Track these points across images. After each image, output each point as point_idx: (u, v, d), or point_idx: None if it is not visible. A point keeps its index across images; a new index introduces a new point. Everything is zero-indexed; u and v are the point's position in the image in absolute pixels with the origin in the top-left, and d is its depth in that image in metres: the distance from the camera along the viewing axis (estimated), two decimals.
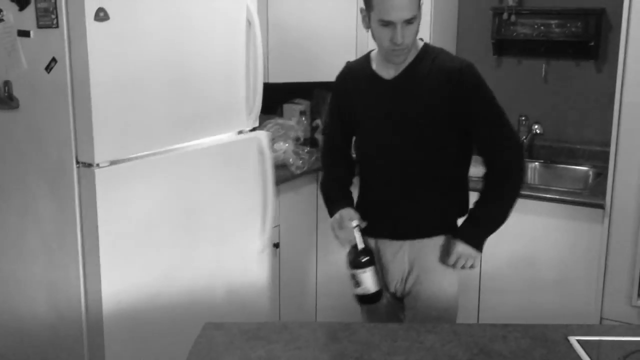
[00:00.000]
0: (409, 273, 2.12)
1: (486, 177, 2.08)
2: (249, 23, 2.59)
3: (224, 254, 2.59)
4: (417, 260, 2.11)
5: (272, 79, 3.24)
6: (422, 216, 2.10)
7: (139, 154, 2.21)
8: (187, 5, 2.32)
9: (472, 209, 2.13)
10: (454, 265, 2.08)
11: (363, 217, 2.13)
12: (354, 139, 2.26)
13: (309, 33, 3.28)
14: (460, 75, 1.96)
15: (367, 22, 1.96)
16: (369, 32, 2.01)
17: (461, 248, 2.06)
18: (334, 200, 2.20)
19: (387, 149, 2.08)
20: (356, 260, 2.04)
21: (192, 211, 2.43)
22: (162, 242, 2.33)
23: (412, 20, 1.88)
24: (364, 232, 2.10)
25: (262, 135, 2.69)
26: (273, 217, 2.76)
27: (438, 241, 2.11)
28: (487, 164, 2.06)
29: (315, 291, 3.38)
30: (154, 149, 2.27)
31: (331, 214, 2.18)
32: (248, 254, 2.72)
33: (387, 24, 1.88)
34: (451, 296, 2.15)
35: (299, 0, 3.24)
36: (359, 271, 2.04)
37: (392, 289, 2.18)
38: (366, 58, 2.13)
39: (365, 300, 2.10)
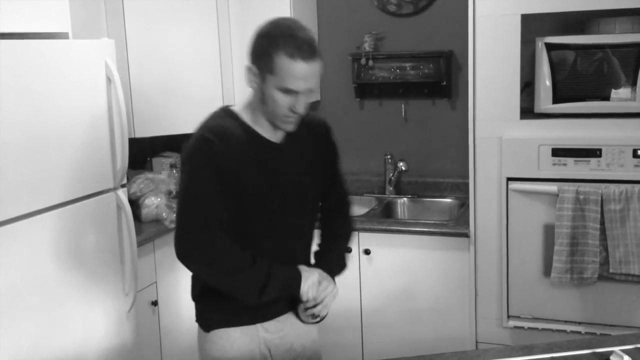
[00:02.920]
0: (294, 343, 2.01)
1: (333, 218, 2.08)
2: (109, 80, 2.54)
3: (91, 318, 2.50)
4: (299, 327, 2.02)
5: (139, 134, 3.17)
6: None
7: None
8: (41, 67, 2.25)
9: (329, 249, 2.06)
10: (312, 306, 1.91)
11: (235, 306, 1.89)
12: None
13: (173, 86, 3.26)
14: (328, 127, 2.04)
15: (259, 83, 1.77)
16: (254, 91, 1.82)
17: (329, 282, 1.95)
18: (278, 269, 1.85)
19: (287, 215, 1.90)
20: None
21: (55, 277, 2.32)
22: (28, 312, 2.20)
23: (314, 88, 1.80)
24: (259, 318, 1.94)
25: (121, 192, 2.63)
26: (136, 275, 2.69)
27: None
28: (333, 206, 2.08)
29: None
30: (12, 214, 2.15)
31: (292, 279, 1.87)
32: (116, 315, 2.63)
33: (289, 91, 1.74)
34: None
35: (160, 54, 3.22)
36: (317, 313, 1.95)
37: None
38: (236, 118, 1.85)
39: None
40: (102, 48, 2.54)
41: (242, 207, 1.82)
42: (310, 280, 1.87)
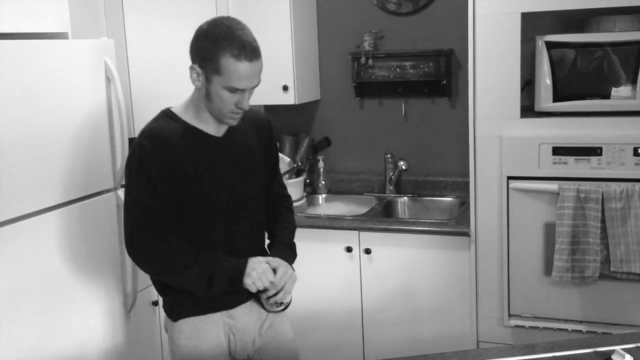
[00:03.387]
0: (261, 327, 2.08)
1: (277, 211, 2.19)
2: (109, 79, 2.54)
3: (92, 318, 2.50)
4: (264, 313, 2.10)
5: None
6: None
7: None
8: (40, 67, 2.24)
9: (280, 239, 2.14)
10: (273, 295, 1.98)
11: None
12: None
13: (173, 85, 3.24)
14: (269, 124, 2.17)
15: (204, 82, 1.86)
16: (197, 90, 1.92)
17: (287, 267, 2.02)
18: (221, 259, 1.93)
19: (234, 206, 2.00)
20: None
21: (55, 277, 2.32)
22: (27, 314, 2.19)
23: (257, 85, 1.90)
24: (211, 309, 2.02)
25: (121, 192, 2.62)
26: (136, 274, 2.69)
27: None
28: (275, 199, 2.20)
29: None
30: (13, 215, 2.14)
31: (236, 270, 1.93)
32: (117, 315, 2.63)
33: (235, 90, 1.84)
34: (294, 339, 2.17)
35: (160, 53, 3.22)
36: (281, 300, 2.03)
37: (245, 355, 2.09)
38: (175, 118, 1.95)
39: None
40: (101, 48, 2.54)
41: (189, 202, 1.92)
42: (256, 272, 1.91)
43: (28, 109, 2.19)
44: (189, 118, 1.95)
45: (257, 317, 2.06)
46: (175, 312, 2.02)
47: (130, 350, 2.69)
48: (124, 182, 2.66)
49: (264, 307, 2.06)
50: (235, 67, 1.80)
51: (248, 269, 1.92)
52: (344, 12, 3.61)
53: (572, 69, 2.80)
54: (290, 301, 2.07)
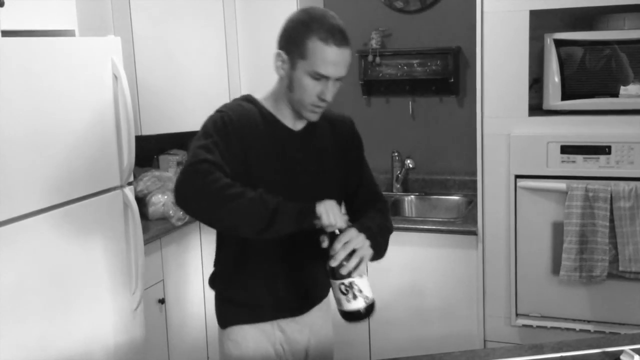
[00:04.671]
0: (308, 343, 1.99)
1: (365, 213, 1.94)
2: (116, 77, 2.54)
3: (98, 316, 2.50)
4: (314, 326, 2.00)
5: (145, 132, 3.17)
6: (323, 275, 1.77)
7: (1, 220, 2.08)
8: (47, 64, 2.25)
9: (367, 216, 1.93)
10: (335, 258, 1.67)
11: (250, 298, 1.88)
12: None
13: (180, 83, 3.25)
14: (353, 127, 2.03)
15: (288, 69, 1.77)
16: (280, 79, 1.81)
17: (354, 232, 1.72)
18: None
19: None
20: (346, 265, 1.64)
21: (62, 275, 2.32)
22: (33, 312, 2.20)
23: (342, 78, 1.79)
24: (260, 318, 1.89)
25: (128, 190, 2.63)
26: (143, 273, 2.68)
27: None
28: (363, 206, 1.99)
29: (207, 346, 3.29)
30: (19, 212, 2.14)
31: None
32: (123, 313, 2.63)
33: (320, 77, 1.74)
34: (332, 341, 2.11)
35: (167, 51, 3.22)
36: (354, 278, 1.67)
37: None
38: (256, 104, 1.84)
39: (365, 313, 1.70)
40: (108, 45, 2.54)
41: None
42: (328, 204, 1.69)
43: (35, 106, 2.20)
44: (272, 105, 1.85)
45: (310, 330, 1.96)
46: (223, 318, 1.92)
47: (136, 348, 2.69)
48: (131, 179, 2.68)
49: (342, 313, 1.70)
50: (322, 51, 1.72)
51: (319, 203, 1.69)
52: (351, 10, 3.60)
53: (581, 67, 2.79)
54: (373, 305, 1.72)
